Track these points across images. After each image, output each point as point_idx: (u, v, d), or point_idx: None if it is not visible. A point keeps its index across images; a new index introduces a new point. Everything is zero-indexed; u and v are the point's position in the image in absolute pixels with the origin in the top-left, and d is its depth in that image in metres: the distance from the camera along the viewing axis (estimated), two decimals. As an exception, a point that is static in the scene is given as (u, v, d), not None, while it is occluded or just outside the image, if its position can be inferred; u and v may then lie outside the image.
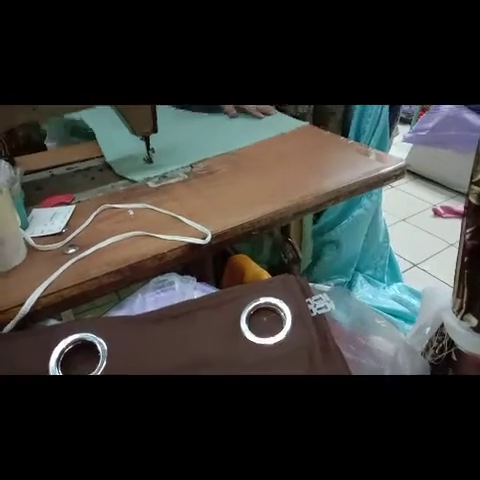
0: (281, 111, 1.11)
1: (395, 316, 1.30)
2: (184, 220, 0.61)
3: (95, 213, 0.63)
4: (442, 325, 0.55)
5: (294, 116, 1.10)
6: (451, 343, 0.53)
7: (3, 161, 0.56)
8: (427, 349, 0.60)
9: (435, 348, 0.57)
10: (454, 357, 0.53)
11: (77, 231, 0.59)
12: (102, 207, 0.64)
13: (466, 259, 0.49)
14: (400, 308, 1.34)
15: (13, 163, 0.76)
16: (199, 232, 0.59)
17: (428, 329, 0.60)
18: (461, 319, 0.50)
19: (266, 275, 0.69)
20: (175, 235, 0.57)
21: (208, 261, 0.79)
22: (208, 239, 0.57)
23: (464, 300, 0.49)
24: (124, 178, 0.75)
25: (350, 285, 1.39)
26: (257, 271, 0.71)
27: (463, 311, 0.50)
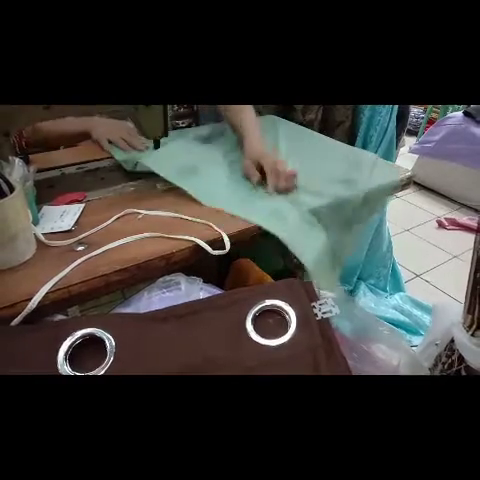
0: (289, 119, 1.11)
1: (396, 326, 1.30)
2: (202, 221, 0.62)
3: (117, 216, 0.63)
4: (452, 340, 0.55)
5: (301, 123, 1.11)
6: (461, 359, 0.53)
7: (17, 159, 0.57)
8: (436, 364, 0.59)
9: (444, 363, 0.57)
10: (464, 373, 0.53)
11: (92, 231, 0.59)
12: (125, 211, 0.64)
13: (479, 275, 0.49)
14: (401, 318, 1.34)
15: (27, 161, 0.77)
16: (208, 234, 0.59)
17: (437, 344, 0.60)
18: (472, 335, 0.50)
19: (269, 279, 0.69)
20: (185, 236, 0.58)
21: (212, 264, 0.79)
22: (226, 240, 0.58)
23: (475, 316, 0.49)
24: (133, 179, 0.76)
25: (352, 293, 1.40)
26: (260, 275, 0.71)
27: (474, 327, 0.49)
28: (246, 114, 0.86)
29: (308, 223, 0.67)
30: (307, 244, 0.64)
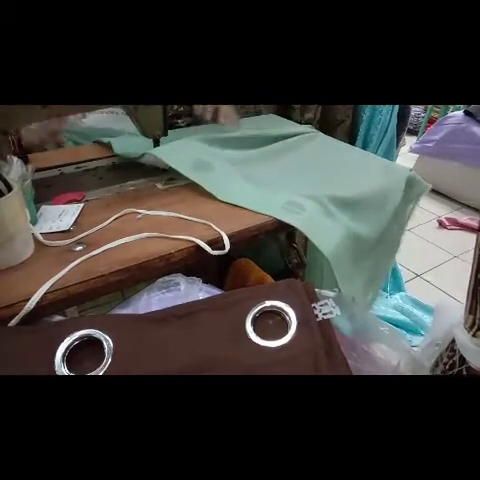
0: (287, 118, 1.11)
1: (397, 326, 1.30)
2: (201, 221, 0.62)
3: (116, 216, 0.63)
4: (453, 341, 0.55)
5: (299, 122, 1.10)
6: (462, 360, 0.52)
7: (15, 158, 0.57)
8: (436, 364, 0.59)
9: (445, 364, 0.56)
10: (465, 374, 0.53)
11: (90, 231, 0.59)
12: (124, 211, 0.64)
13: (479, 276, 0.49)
14: (402, 318, 1.34)
15: (26, 160, 0.77)
16: (207, 234, 0.59)
17: (438, 344, 0.60)
18: (473, 336, 0.49)
19: (269, 279, 0.69)
20: (185, 236, 0.58)
21: (212, 264, 0.79)
22: (226, 240, 0.58)
23: (477, 317, 0.49)
24: (132, 179, 0.75)
25: (352, 293, 1.39)
26: (260, 275, 0.71)
27: (476, 328, 0.49)
28: None
29: (328, 215, 0.67)
30: (325, 233, 0.64)
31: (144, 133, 0.76)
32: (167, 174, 0.77)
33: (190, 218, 0.63)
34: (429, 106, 3.01)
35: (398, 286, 1.50)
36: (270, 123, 1.04)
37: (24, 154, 0.78)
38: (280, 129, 0.95)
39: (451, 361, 0.55)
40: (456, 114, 2.30)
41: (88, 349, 0.40)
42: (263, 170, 0.78)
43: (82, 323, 0.41)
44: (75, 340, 0.40)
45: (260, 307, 0.43)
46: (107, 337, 0.40)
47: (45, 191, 0.71)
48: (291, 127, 1.00)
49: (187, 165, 0.73)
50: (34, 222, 0.60)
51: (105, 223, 0.61)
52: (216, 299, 0.46)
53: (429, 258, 1.75)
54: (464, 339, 0.50)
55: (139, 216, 0.63)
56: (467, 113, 2.21)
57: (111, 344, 0.40)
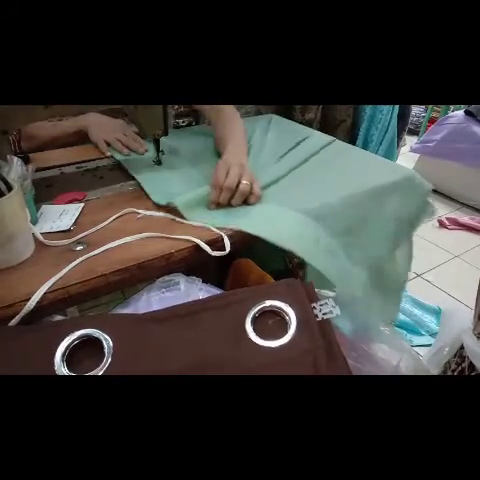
0: (287, 118, 1.11)
1: (397, 325, 1.30)
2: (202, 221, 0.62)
3: (116, 215, 0.63)
4: (461, 347, 0.54)
5: (301, 122, 1.10)
6: (472, 367, 0.52)
7: (15, 158, 0.57)
8: (445, 371, 0.59)
9: (454, 370, 0.56)
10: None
11: (91, 230, 0.59)
12: (124, 211, 0.64)
13: None
14: (402, 317, 1.34)
15: (27, 160, 0.77)
16: (207, 234, 0.59)
17: (446, 350, 0.59)
18: None
19: (270, 279, 0.69)
20: (185, 236, 0.58)
21: (212, 264, 0.79)
22: (226, 240, 0.58)
23: None
24: (132, 178, 0.75)
25: (353, 293, 1.39)
26: (261, 275, 0.71)
27: None
28: (235, 125, 0.85)
29: (350, 259, 0.68)
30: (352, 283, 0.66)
31: (144, 133, 0.76)
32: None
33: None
34: (430, 106, 3.01)
35: (398, 286, 1.50)
36: (275, 125, 1.03)
37: (24, 154, 0.78)
38: (300, 152, 0.88)
39: (460, 368, 0.55)
40: (457, 114, 2.30)
41: (88, 349, 0.40)
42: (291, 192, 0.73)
43: (81, 323, 0.41)
44: (75, 340, 0.40)
45: (260, 307, 0.43)
46: (107, 337, 0.40)
47: (46, 191, 0.71)
48: (302, 135, 0.97)
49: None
50: (34, 222, 0.60)
51: (105, 223, 0.61)
52: (216, 299, 0.46)
53: (430, 258, 1.75)
54: (473, 345, 0.50)
55: (139, 216, 0.63)
56: (468, 113, 2.21)
57: (111, 344, 0.40)
